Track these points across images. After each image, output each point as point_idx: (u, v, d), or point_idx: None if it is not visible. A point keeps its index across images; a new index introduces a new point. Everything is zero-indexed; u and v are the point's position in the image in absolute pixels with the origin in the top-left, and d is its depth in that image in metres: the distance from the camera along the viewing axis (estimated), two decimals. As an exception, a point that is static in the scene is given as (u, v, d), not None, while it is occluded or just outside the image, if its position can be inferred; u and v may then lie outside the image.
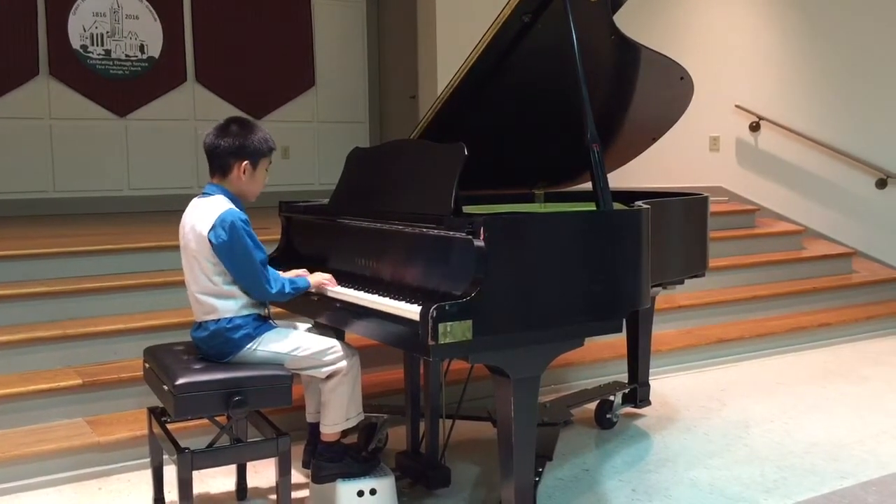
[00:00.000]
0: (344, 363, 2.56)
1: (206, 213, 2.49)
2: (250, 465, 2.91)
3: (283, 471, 2.42)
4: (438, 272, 2.32)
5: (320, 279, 2.63)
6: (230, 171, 2.56)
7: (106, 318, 3.65)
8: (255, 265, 2.47)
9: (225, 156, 2.55)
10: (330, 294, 2.60)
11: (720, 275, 5.29)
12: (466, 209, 2.37)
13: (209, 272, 2.49)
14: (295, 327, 2.70)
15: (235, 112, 6.74)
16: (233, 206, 2.52)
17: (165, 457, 2.60)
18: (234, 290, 2.50)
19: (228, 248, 2.44)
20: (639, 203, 2.63)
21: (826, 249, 6.11)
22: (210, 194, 2.56)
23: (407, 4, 7.05)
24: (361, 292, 2.48)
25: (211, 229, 2.44)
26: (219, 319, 2.50)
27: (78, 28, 6.55)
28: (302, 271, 2.71)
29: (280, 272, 2.63)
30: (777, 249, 5.96)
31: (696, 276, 3.35)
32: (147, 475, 2.80)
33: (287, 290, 2.54)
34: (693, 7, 6.92)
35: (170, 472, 2.53)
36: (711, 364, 4.60)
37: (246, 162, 2.56)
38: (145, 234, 4.62)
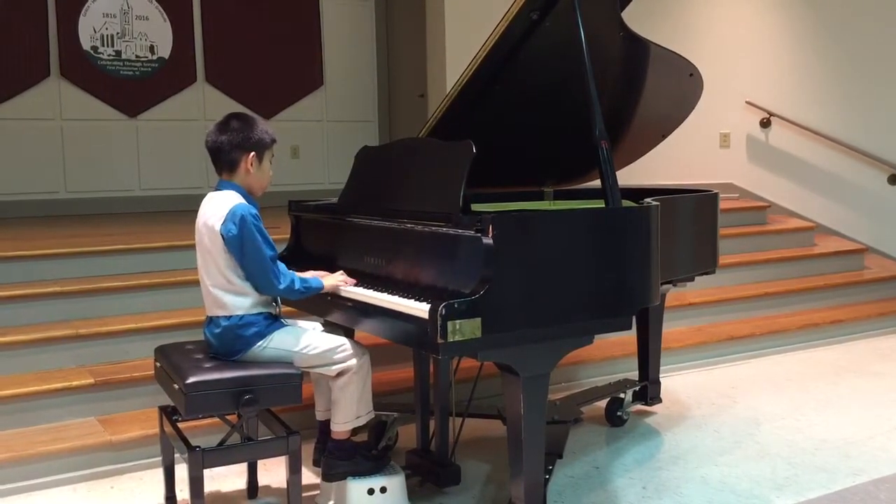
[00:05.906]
0: (353, 361, 2.56)
1: (218, 207, 2.51)
2: (261, 464, 2.92)
3: (294, 469, 2.43)
4: (447, 270, 2.32)
5: (334, 282, 2.62)
6: (238, 166, 2.58)
7: (118, 318, 3.67)
8: (265, 260, 2.48)
9: (230, 150, 2.56)
10: (341, 293, 2.61)
11: (731, 272, 5.26)
12: (475, 207, 2.37)
13: (222, 267, 2.50)
14: (304, 326, 2.71)
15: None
16: (244, 200, 2.53)
17: (177, 455, 2.61)
18: (247, 287, 2.51)
19: (238, 241, 2.45)
20: (648, 200, 2.63)
21: (837, 246, 6.08)
22: (223, 189, 2.58)
23: (416, 3, 7.05)
24: (371, 291, 2.48)
25: (222, 223, 2.46)
26: (230, 316, 2.51)
27: (88, 29, 6.57)
28: (321, 273, 2.71)
29: (296, 272, 2.62)
30: (788, 246, 5.93)
31: (706, 274, 3.34)
32: (158, 473, 2.81)
33: (297, 287, 2.54)
34: (703, 3, 6.89)
35: (181, 471, 2.54)
36: (722, 361, 4.58)
37: (252, 154, 2.57)
38: (156, 234, 4.64)
